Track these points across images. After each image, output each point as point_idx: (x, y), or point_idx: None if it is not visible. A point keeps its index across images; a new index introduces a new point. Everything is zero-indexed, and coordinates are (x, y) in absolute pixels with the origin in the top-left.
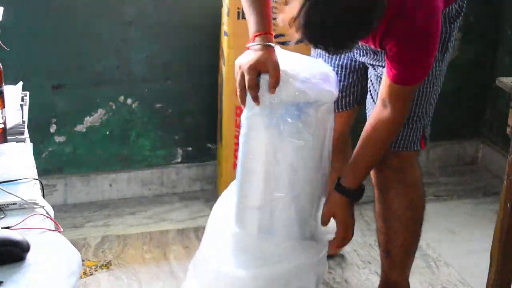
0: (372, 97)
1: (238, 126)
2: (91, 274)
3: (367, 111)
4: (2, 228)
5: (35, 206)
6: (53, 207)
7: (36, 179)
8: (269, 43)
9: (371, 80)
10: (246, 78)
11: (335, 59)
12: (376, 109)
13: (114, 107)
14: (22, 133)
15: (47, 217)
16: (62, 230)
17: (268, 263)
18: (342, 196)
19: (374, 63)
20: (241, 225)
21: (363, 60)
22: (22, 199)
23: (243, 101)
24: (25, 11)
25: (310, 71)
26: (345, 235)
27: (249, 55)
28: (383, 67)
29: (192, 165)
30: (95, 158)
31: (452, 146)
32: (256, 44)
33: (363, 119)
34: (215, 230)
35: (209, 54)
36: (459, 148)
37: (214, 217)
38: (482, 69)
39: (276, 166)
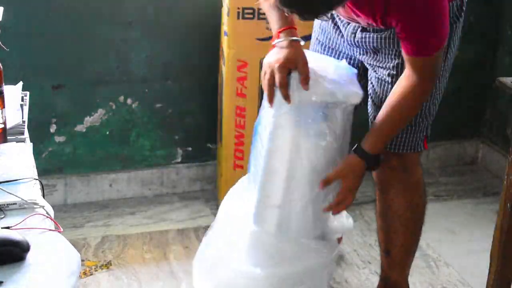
0: (373, 102)
1: (238, 126)
2: (91, 274)
3: (369, 115)
4: (2, 228)
5: (35, 206)
6: (53, 207)
7: (36, 179)
8: (294, 38)
9: (371, 83)
10: (277, 76)
11: (333, 55)
12: (403, 78)
13: (114, 107)
14: (22, 133)
15: (47, 217)
16: (62, 230)
17: (284, 262)
18: (358, 158)
19: (374, 63)
20: (260, 223)
21: (362, 59)
22: (22, 199)
23: (271, 100)
24: (25, 11)
25: (338, 72)
26: (344, 200)
27: (278, 53)
28: (384, 68)
29: (192, 165)
30: (95, 158)
31: (452, 146)
32: (282, 41)
33: (364, 121)
34: (228, 226)
35: (209, 54)
36: (459, 148)
37: (226, 212)
38: (482, 69)
39: (299, 166)
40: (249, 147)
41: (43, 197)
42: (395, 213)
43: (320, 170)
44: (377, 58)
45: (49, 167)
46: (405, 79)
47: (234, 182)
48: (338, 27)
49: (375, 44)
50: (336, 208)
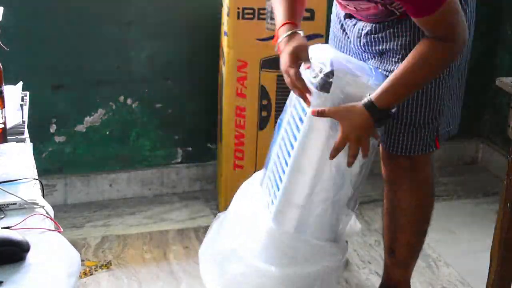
0: None
1: (238, 126)
2: (91, 274)
3: None
4: (2, 228)
5: (35, 206)
6: (53, 207)
7: (36, 179)
8: (290, 32)
9: None
10: (288, 80)
11: None
12: (421, 40)
13: (114, 107)
14: (22, 133)
15: (47, 217)
16: (62, 230)
17: (299, 263)
18: (362, 106)
19: (380, 67)
20: (280, 222)
21: (370, 64)
22: (22, 199)
23: (308, 101)
24: (25, 11)
25: (368, 73)
26: (338, 146)
27: (282, 56)
28: (389, 72)
29: (192, 165)
30: (95, 158)
31: (452, 146)
32: (280, 40)
33: None
34: (242, 221)
35: (209, 54)
36: (459, 148)
37: (239, 207)
38: (482, 69)
39: (325, 167)
40: (249, 147)
41: (43, 197)
42: (402, 211)
43: (346, 173)
44: (382, 61)
45: (49, 167)
46: (422, 41)
47: (234, 182)
48: (347, 33)
49: (380, 47)
50: (332, 152)
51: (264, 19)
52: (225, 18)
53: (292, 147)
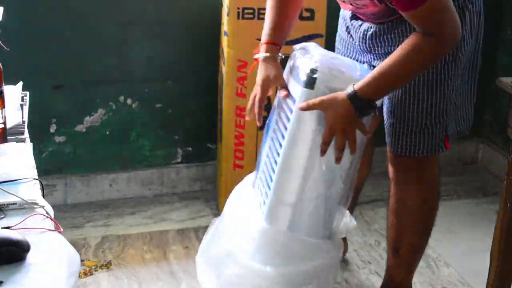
0: (387, 108)
1: (238, 126)
2: (91, 274)
3: (384, 121)
4: (2, 228)
5: (35, 206)
6: (53, 207)
7: (36, 179)
8: (269, 55)
9: None
10: (251, 102)
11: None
12: (411, 35)
13: (114, 107)
14: (22, 133)
15: (47, 217)
16: (62, 230)
17: (294, 261)
18: (344, 95)
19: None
20: (272, 221)
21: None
22: (22, 199)
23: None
24: (25, 11)
25: (355, 69)
26: (326, 140)
27: (257, 77)
28: None
29: (192, 165)
30: (95, 158)
31: (452, 146)
32: (258, 57)
33: (379, 125)
34: (236, 223)
35: (209, 54)
36: (459, 148)
37: (233, 209)
38: (482, 69)
39: (315, 164)
40: (249, 147)
41: (43, 197)
42: (408, 210)
43: (336, 170)
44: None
45: (49, 167)
46: (411, 35)
47: (234, 182)
48: (352, 34)
49: (384, 49)
50: (322, 147)
51: (264, 19)
52: (225, 18)
53: (281, 146)
